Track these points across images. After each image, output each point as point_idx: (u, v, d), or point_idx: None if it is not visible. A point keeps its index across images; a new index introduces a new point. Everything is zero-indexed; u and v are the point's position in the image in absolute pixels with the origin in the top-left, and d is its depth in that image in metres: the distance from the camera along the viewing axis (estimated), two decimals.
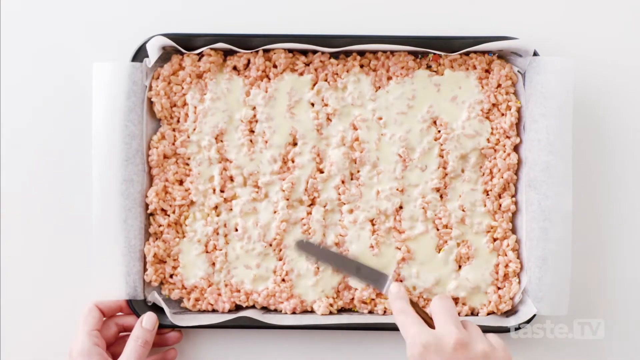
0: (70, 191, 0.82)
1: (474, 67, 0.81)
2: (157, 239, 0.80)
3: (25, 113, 0.83)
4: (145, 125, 0.79)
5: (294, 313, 0.80)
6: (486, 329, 0.76)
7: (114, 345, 0.78)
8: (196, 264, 0.80)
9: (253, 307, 0.81)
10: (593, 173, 0.83)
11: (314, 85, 0.81)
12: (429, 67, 0.81)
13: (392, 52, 0.81)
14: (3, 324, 0.82)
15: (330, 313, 0.80)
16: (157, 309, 0.79)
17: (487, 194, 0.80)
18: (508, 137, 0.80)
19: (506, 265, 0.79)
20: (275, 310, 0.80)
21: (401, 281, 0.79)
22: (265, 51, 0.80)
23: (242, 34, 0.79)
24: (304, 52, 0.81)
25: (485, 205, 0.80)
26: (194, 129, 0.80)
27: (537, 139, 0.77)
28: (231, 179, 0.81)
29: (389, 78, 0.81)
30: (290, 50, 0.81)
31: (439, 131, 0.80)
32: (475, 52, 0.80)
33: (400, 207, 0.80)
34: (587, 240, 0.82)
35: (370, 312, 0.80)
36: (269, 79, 0.81)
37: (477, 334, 0.67)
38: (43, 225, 0.83)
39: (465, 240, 0.80)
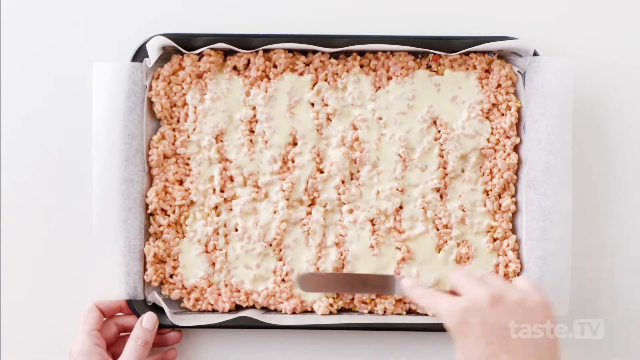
0: (70, 191, 0.82)
1: (474, 67, 0.81)
2: (157, 239, 0.80)
3: (25, 113, 0.83)
4: (145, 125, 0.79)
5: (294, 313, 0.80)
6: None
7: (114, 345, 0.78)
8: (196, 264, 0.80)
9: (253, 307, 0.81)
10: (593, 173, 0.83)
11: (314, 85, 0.81)
12: (429, 67, 0.81)
13: (392, 52, 0.81)
14: (3, 324, 0.82)
15: (330, 313, 0.80)
16: (157, 309, 0.79)
17: (487, 194, 0.80)
18: (508, 137, 0.80)
19: (506, 265, 0.79)
20: (275, 310, 0.80)
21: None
22: (265, 51, 0.80)
23: (242, 34, 0.79)
24: (304, 52, 0.81)
25: (485, 205, 0.80)
26: (194, 129, 0.80)
27: (537, 139, 0.77)
28: (231, 179, 0.81)
29: (389, 78, 0.81)
30: (290, 50, 0.81)
31: (439, 131, 0.80)
32: (475, 52, 0.80)
33: (400, 207, 0.80)
34: (587, 240, 0.82)
35: (370, 312, 0.80)
36: (269, 79, 0.81)
37: (505, 285, 0.65)
38: (43, 226, 0.83)
39: (465, 240, 0.80)
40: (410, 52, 0.81)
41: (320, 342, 0.82)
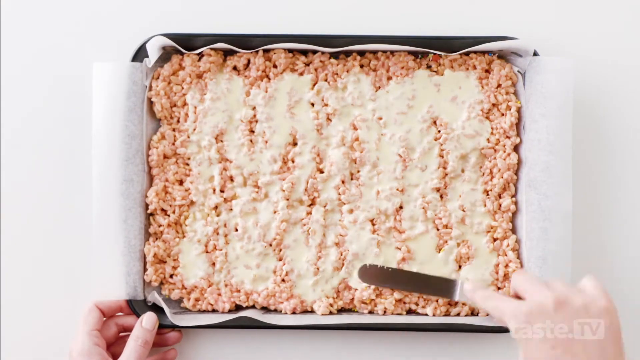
0: (70, 191, 0.82)
1: (474, 67, 0.81)
2: (157, 239, 0.80)
3: (25, 113, 0.83)
4: (145, 125, 0.79)
5: (294, 313, 0.79)
6: (486, 329, 0.76)
7: (114, 345, 0.78)
8: (196, 264, 0.80)
9: (253, 307, 0.81)
10: (593, 173, 0.83)
11: (314, 85, 0.81)
12: (429, 67, 0.81)
13: (392, 52, 0.81)
14: (3, 324, 0.82)
15: (330, 313, 0.79)
16: (157, 309, 0.79)
17: (487, 194, 0.80)
18: (508, 137, 0.80)
19: (506, 265, 0.79)
20: (275, 310, 0.80)
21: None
22: (265, 51, 0.80)
23: (242, 34, 0.79)
24: (304, 52, 0.81)
25: (485, 205, 0.80)
26: (194, 129, 0.80)
27: (537, 139, 0.77)
28: (231, 179, 0.81)
29: (389, 78, 0.81)
30: (290, 50, 0.81)
31: (439, 131, 0.80)
32: (475, 52, 0.80)
33: (401, 207, 0.80)
34: (587, 240, 0.82)
35: (370, 312, 0.80)
36: (269, 79, 0.81)
37: (570, 289, 0.64)
38: (43, 226, 0.83)
39: (465, 240, 0.80)
40: (410, 52, 0.81)
41: (320, 342, 0.81)
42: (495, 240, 0.80)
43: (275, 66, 0.81)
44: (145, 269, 0.79)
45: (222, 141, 0.80)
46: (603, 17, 0.84)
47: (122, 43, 0.80)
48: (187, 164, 0.81)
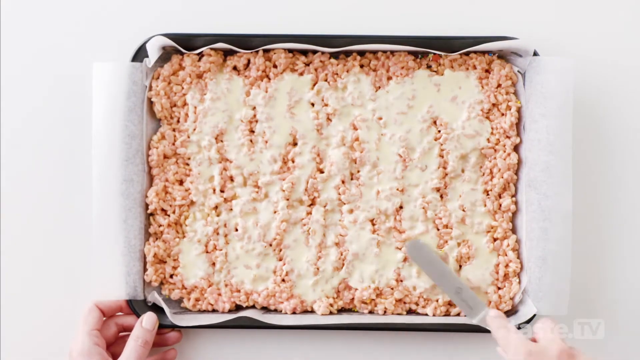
0: (70, 191, 0.82)
1: (474, 67, 0.81)
2: (157, 239, 0.80)
3: (25, 113, 0.83)
4: (145, 125, 0.79)
5: (294, 313, 0.80)
6: (486, 329, 0.76)
7: (114, 345, 0.78)
8: (196, 264, 0.80)
9: (253, 307, 0.81)
10: (593, 173, 0.83)
11: (314, 85, 0.81)
12: (429, 67, 0.81)
13: (392, 52, 0.81)
14: (3, 324, 0.82)
15: (330, 313, 0.79)
16: (157, 309, 0.79)
17: (487, 194, 0.80)
18: (508, 137, 0.80)
19: (506, 265, 0.79)
20: (275, 310, 0.80)
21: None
22: (265, 51, 0.80)
23: (242, 34, 0.79)
24: (304, 52, 0.81)
25: (485, 205, 0.80)
26: (194, 129, 0.80)
27: (537, 139, 0.77)
28: (231, 179, 0.81)
29: (389, 78, 0.81)
30: (290, 50, 0.81)
31: (439, 131, 0.80)
32: (475, 52, 0.80)
33: (401, 207, 0.80)
34: (587, 240, 0.82)
35: (371, 312, 0.80)
36: (269, 79, 0.81)
37: (583, 353, 0.67)
38: (43, 226, 0.83)
39: (465, 240, 0.80)
40: (410, 52, 0.81)
41: (320, 342, 0.82)
42: (495, 240, 0.80)
43: (275, 66, 0.81)
44: (145, 269, 0.79)
45: (222, 141, 0.80)
46: (603, 17, 0.84)
47: (122, 43, 0.80)
48: (187, 164, 0.81)
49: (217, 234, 0.80)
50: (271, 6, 0.84)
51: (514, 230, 0.80)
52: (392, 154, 0.80)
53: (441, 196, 0.80)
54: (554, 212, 0.76)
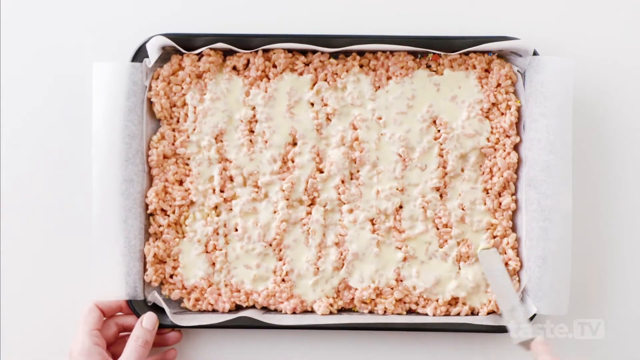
0: (70, 191, 0.82)
1: (474, 67, 0.81)
2: (157, 239, 0.80)
3: (25, 113, 0.83)
4: (145, 125, 0.79)
5: (294, 313, 0.79)
6: (486, 329, 0.76)
7: (114, 345, 0.78)
8: (196, 264, 0.80)
9: (253, 307, 0.81)
10: (593, 173, 0.83)
11: (314, 85, 0.81)
12: (428, 66, 0.81)
13: (391, 52, 0.81)
14: (3, 324, 0.82)
15: (330, 313, 0.79)
16: (157, 309, 0.79)
17: (487, 193, 0.80)
18: (508, 137, 0.80)
19: (506, 264, 0.79)
20: (275, 310, 0.80)
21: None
22: (265, 51, 0.80)
23: (242, 34, 0.79)
24: (304, 52, 0.81)
25: (485, 204, 0.80)
26: (194, 129, 0.80)
27: (537, 138, 0.77)
28: (231, 179, 0.81)
29: (389, 78, 0.81)
30: (289, 50, 0.81)
31: (439, 131, 0.80)
32: (475, 51, 0.80)
33: (400, 207, 0.80)
34: (587, 240, 0.82)
35: (371, 312, 0.80)
36: (269, 79, 0.81)
37: None
38: (43, 226, 0.83)
39: (465, 239, 0.80)
40: (409, 52, 0.81)
41: (320, 342, 0.81)
42: (494, 237, 0.80)
43: (274, 66, 0.81)
44: (145, 269, 0.79)
45: (221, 141, 0.80)
46: (603, 17, 0.84)
47: (122, 43, 0.80)
48: (187, 164, 0.81)
49: (217, 234, 0.80)
50: (271, 6, 0.84)
51: (513, 229, 0.80)
52: (391, 154, 0.80)
53: (441, 195, 0.80)
54: (554, 212, 0.76)
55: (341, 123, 0.81)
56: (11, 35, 0.84)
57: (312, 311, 0.80)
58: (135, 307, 0.77)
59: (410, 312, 0.80)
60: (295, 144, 0.81)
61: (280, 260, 0.80)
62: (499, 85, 0.80)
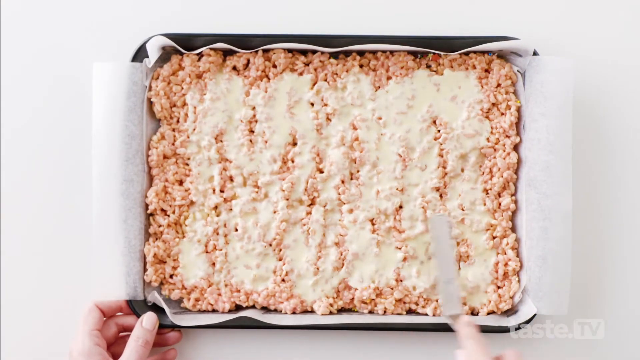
0: (70, 191, 0.82)
1: (474, 67, 0.81)
2: (157, 239, 0.80)
3: (25, 113, 0.83)
4: (145, 125, 0.79)
5: (294, 313, 0.79)
6: (486, 329, 0.76)
7: (114, 345, 0.78)
8: (196, 264, 0.80)
9: (253, 307, 0.81)
10: (593, 173, 0.83)
11: (314, 85, 0.81)
12: (428, 66, 0.81)
13: (391, 52, 0.81)
14: (3, 324, 0.82)
15: (330, 313, 0.79)
16: (157, 309, 0.79)
17: (487, 193, 0.80)
18: (508, 137, 0.80)
19: (506, 264, 0.79)
20: (275, 310, 0.80)
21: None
22: (265, 51, 0.80)
23: (242, 34, 0.79)
24: (304, 52, 0.81)
25: (485, 204, 0.80)
26: (194, 129, 0.80)
27: (537, 138, 0.77)
28: (231, 179, 0.81)
29: (389, 78, 0.81)
30: (289, 50, 0.81)
31: (439, 131, 0.80)
32: (475, 51, 0.80)
33: (400, 207, 0.80)
34: (587, 240, 0.82)
35: (370, 312, 0.80)
36: (269, 79, 0.81)
37: None
38: (43, 225, 0.83)
39: (464, 239, 0.80)
40: (409, 52, 0.81)
41: (320, 342, 0.81)
42: (494, 238, 0.80)
43: (274, 66, 0.81)
44: (145, 269, 0.79)
45: (221, 141, 0.80)
46: (603, 17, 0.84)
47: (122, 43, 0.80)
48: (187, 164, 0.81)
49: (217, 234, 0.80)
50: (271, 6, 0.84)
51: (513, 230, 0.80)
52: (391, 154, 0.80)
53: (440, 196, 0.80)
54: (554, 212, 0.76)
55: (341, 123, 0.81)
56: (11, 35, 0.84)
57: (312, 311, 0.80)
58: (135, 307, 0.77)
59: (410, 312, 0.80)
60: (295, 144, 0.81)
61: (280, 260, 0.80)
62: (499, 85, 0.80)
